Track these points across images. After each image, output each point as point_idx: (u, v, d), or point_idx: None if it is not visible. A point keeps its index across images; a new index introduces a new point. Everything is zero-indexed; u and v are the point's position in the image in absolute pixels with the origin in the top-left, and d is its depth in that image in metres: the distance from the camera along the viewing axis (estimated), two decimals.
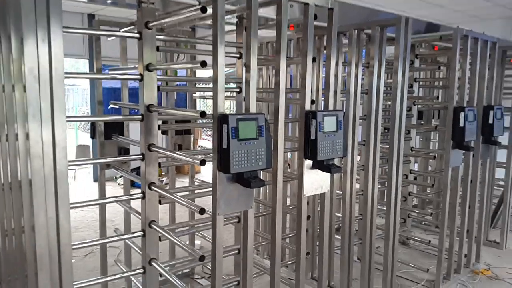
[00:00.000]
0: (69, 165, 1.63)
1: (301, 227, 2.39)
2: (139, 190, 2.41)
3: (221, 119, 1.87)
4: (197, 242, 3.90)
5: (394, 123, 2.99)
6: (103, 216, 3.07)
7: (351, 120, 3.17)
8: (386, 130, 4.29)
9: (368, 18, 3.25)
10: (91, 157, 7.35)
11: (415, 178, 5.01)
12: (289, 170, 3.69)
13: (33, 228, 1.48)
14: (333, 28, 2.40)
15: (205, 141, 10.89)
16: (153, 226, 2.41)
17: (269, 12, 2.51)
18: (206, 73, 6.88)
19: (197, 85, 3.53)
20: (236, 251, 2.47)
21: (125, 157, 2.45)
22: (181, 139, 3.72)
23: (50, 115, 1.45)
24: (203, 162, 1.96)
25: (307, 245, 2.82)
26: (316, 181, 2.38)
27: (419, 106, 4.65)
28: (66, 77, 1.50)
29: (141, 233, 2.43)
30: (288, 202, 3.52)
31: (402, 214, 4.64)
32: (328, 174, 2.42)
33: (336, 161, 2.44)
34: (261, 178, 2.01)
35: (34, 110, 1.41)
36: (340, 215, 3.27)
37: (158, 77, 2.48)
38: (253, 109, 2.05)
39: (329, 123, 2.29)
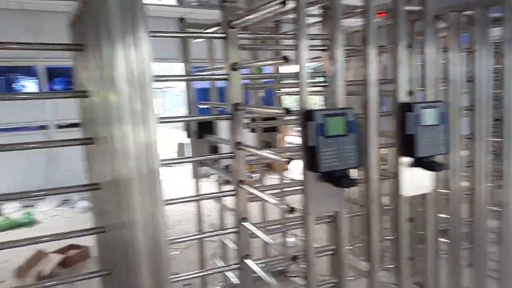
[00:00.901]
0: (168, 163, 1.69)
1: (400, 229, 2.20)
2: (229, 187, 2.45)
3: (307, 116, 1.79)
4: (290, 239, 3.87)
5: (509, 113, 2.61)
6: (200, 212, 3.20)
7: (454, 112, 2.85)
8: (497, 121, 3.80)
9: None
10: (188, 154, 7.77)
11: None
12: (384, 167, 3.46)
13: (131, 224, 1.56)
14: (428, 9, 2.17)
15: (293, 137, 10.84)
16: (244, 223, 2.43)
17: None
18: (293, 69, 6.83)
19: (283, 81, 3.49)
20: (331, 252, 2.37)
21: (216, 156, 2.50)
22: (269, 137, 3.72)
23: (141, 117, 1.50)
24: (289, 160, 1.91)
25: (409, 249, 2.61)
26: (416, 180, 2.18)
27: None
28: (155, 80, 1.54)
29: (235, 229, 2.46)
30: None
31: None
32: (430, 173, 2.19)
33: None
34: (351, 176, 1.89)
35: (127, 113, 1.48)
36: (445, 216, 2.96)
37: (244, 75, 2.49)
38: (340, 103, 1.93)
39: (429, 116, 2.07)
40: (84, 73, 2.13)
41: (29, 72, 7.42)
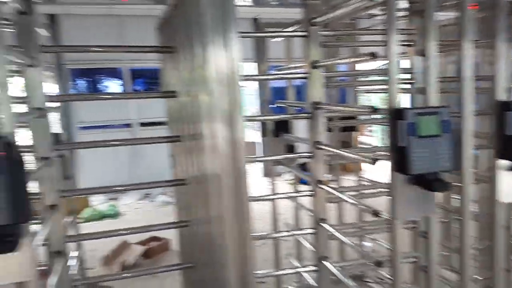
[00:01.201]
0: (251, 161, 1.71)
1: (495, 237, 2.03)
2: (305, 187, 2.42)
3: (397, 114, 1.70)
4: (367, 244, 3.74)
5: None
6: (275, 210, 3.21)
7: None
8: None
9: None
10: (259, 153, 7.86)
11: None
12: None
13: (219, 219, 1.60)
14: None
15: (366, 137, 10.51)
16: (323, 224, 2.39)
17: None
18: (371, 65, 6.59)
19: (360, 79, 3.37)
20: (414, 259, 2.26)
21: (296, 155, 2.49)
22: (345, 136, 3.62)
23: (230, 116, 1.53)
24: (374, 161, 1.83)
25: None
26: None
27: None
28: (243, 80, 1.57)
29: (312, 230, 2.44)
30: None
31: None
32: None
33: None
34: (444, 180, 1.77)
35: (217, 112, 1.52)
36: None
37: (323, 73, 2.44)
38: (433, 101, 1.82)
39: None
40: (173, 74, 2.23)
41: (113, 73, 7.97)
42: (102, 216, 5.80)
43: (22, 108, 1.82)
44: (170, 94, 2.17)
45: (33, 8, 1.80)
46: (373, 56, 1.83)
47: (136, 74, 7.85)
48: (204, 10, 1.45)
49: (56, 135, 2.03)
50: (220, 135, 1.52)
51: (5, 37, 1.29)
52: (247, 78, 2.08)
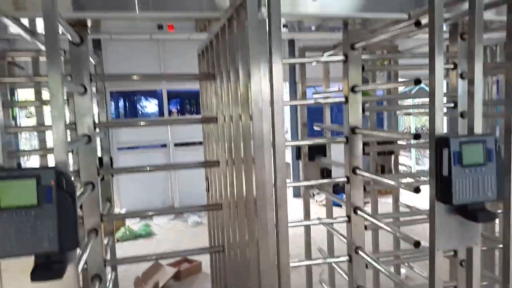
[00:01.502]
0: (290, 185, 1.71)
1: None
2: (340, 211, 2.38)
3: (441, 142, 1.66)
4: (402, 270, 3.61)
5: None
6: (309, 236, 3.17)
7: None
8: None
9: None
10: (291, 173, 7.81)
11: None
12: None
13: (257, 244, 1.60)
14: None
15: (404, 158, 10.26)
16: (360, 252, 2.33)
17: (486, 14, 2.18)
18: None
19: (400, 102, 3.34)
20: None
21: (330, 180, 2.47)
22: (383, 159, 3.56)
23: (272, 140, 1.55)
24: (417, 190, 1.79)
25: None
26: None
27: None
28: (285, 104, 1.58)
29: (347, 257, 2.39)
30: None
31: None
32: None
33: None
34: (489, 210, 1.70)
35: (258, 135, 1.54)
36: None
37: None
38: (478, 129, 1.77)
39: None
40: (213, 98, 2.28)
41: (150, 93, 8.22)
42: (136, 236, 5.88)
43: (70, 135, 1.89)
44: (211, 119, 2.21)
45: (85, 38, 1.89)
46: (418, 83, 1.81)
47: (172, 94, 8.06)
48: (251, 37, 1.49)
49: (100, 159, 2.09)
50: (260, 159, 1.54)
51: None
52: (289, 103, 2.10)
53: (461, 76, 2.49)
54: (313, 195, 7.33)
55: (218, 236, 2.51)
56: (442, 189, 1.66)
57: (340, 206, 2.58)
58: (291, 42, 7.46)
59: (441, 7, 1.60)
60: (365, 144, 3.48)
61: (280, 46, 1.47)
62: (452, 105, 2.45)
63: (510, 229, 1.88)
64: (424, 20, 1.69)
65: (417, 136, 1.77)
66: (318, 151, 3.12)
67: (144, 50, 7.16)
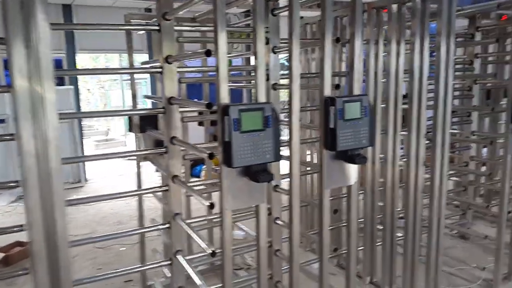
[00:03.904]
0: (68, 162, 1.65)
1: (323, 222, 2.24)
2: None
3: (223, 110, 1.78)
4: (240, 232, 3.85)
5: (437, 106, 2.67)
6: (141, 207, 3.17)
7: (392, 104, 2.90)
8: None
9: None
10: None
11: (483, 164, 4.55)
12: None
13: (32, 225, 1.52)
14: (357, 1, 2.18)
15: None
16: (176, 219, 2.41)
17: None
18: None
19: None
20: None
21: (147, 151, 2.47)
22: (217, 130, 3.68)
23: (34, 113, 1.46)
24: (211, 156, 1.90)
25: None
26: (339, 173, 2.21)
27: (489, 84, 4.18)
28: (54, 75, 1.50)
29: (167, 225, 2.45)
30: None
31: (462, 205, 4.24)
32: (355, 166, 2.23)
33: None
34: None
35: (24, 109, 1.44)
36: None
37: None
38: (261, 98, 1.94)
39: (351, 110, 2.09)
40: None
41: None
42: None
43: None
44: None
45: None
46: (209, 53, 1.89)
47: None
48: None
49: None
50: (27, 133, 1.45)
51: None
52: (61, 72, 2.00)
53: (273, 51, 2.66)
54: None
55: None
56: (226, 154, 1.80)
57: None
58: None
59: None
60: (200, 113, 3.58)
61: (43, 10, 1.37)
62: (266, 77, 2.64)
63: (293, 188, 2.14)
64: None
65: (209, 105, 1.86)
66: (153, 125, 3.08)
67: None
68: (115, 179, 7.52)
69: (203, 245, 2.08)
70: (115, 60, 14.59)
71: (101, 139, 12.25)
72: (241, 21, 3.90)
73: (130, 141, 10.71)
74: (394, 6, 2.77)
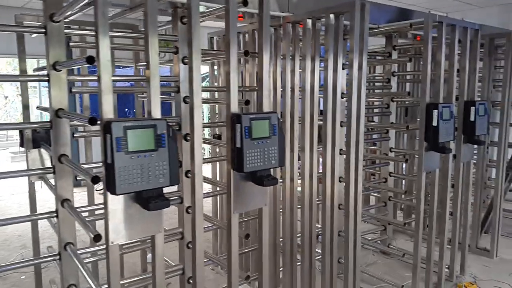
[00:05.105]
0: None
1: (231, 247, 2.06)
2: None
3: (105, 127, 1.55)
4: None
5: (350, 123, 2.63)
6: (35, 234, 2.79)
7: (308, 121, 2.83)
8: (370, 130, 3.97)
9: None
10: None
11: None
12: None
13: None
14: (264, 14, 2.06)
15: None
16: (68, 249, 2.11)
17: None
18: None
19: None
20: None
21: (31, 172, 2.15)
22: None
23: None
24: (94, 180, 1.64)
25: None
26: (248, 195, 2.05)
27: (407, 102, 4.31)
28: None
29: (54, 214, 2.11)
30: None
31: (382, 221, 4.29)
32: (265, 188, 2.08)
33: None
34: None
35: None
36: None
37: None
38: (156, 113, 1.72)
39: (259, 128, 1.95)
40: None
41: None
42: None
43: None
44: None
45: None
46: (92, 61, 1.65)
47: None
48: None
49: None
50: None
51: None
52: None
53: (183, 61, 2.47)
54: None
55: None
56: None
57: None
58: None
59: None
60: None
61: None
62: (176, 89, 2.43)
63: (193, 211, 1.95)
64: None
65: (91, 121, 1.61)
66: (46, 139, 2.72)
67: None
68: (24, 196, 6.83)
69: (90, 282, 1.81)
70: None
71: (17, 151, 11.21)
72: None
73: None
74: (309, 21, 2.71)
